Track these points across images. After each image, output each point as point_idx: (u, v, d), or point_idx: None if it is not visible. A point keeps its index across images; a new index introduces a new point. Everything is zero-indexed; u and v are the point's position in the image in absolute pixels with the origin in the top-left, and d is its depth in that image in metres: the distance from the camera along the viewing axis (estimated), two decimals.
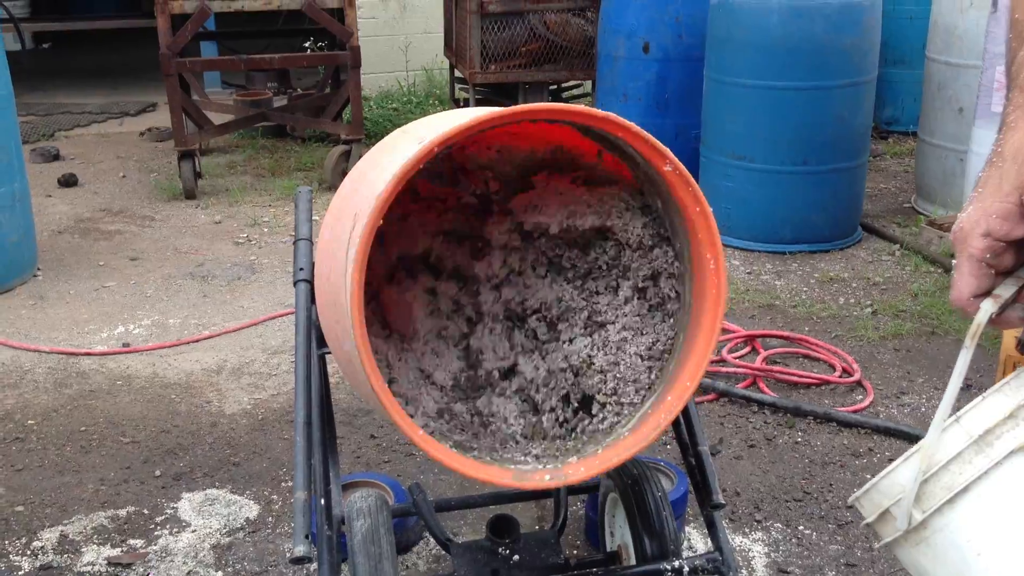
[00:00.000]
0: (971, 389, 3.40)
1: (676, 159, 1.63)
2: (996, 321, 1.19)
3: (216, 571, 2.55)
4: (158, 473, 2.98)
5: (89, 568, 2.57)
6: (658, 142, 1.63)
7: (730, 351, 3.64)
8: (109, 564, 2.58)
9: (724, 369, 3.49)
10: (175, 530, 2.72)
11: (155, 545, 2.66)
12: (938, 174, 5.04)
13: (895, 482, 1.29)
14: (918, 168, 5.28)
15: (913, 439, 3.08)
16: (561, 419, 1.86)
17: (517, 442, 1.84)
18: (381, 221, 1.53)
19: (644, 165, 1.71)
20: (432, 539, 2.53)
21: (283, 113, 6.50)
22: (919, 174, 5.27)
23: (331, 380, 2.48)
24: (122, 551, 2.63)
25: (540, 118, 1.67)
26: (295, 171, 6.16)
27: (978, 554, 1.22)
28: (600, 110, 1.61)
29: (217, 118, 6.35)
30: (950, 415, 1.25)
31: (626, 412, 1.82)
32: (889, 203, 5.43)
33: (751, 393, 3.33)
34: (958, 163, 4.80)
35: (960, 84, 4.84)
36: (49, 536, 2.69)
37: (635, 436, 1.72)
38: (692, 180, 1.65)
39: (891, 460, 2.97)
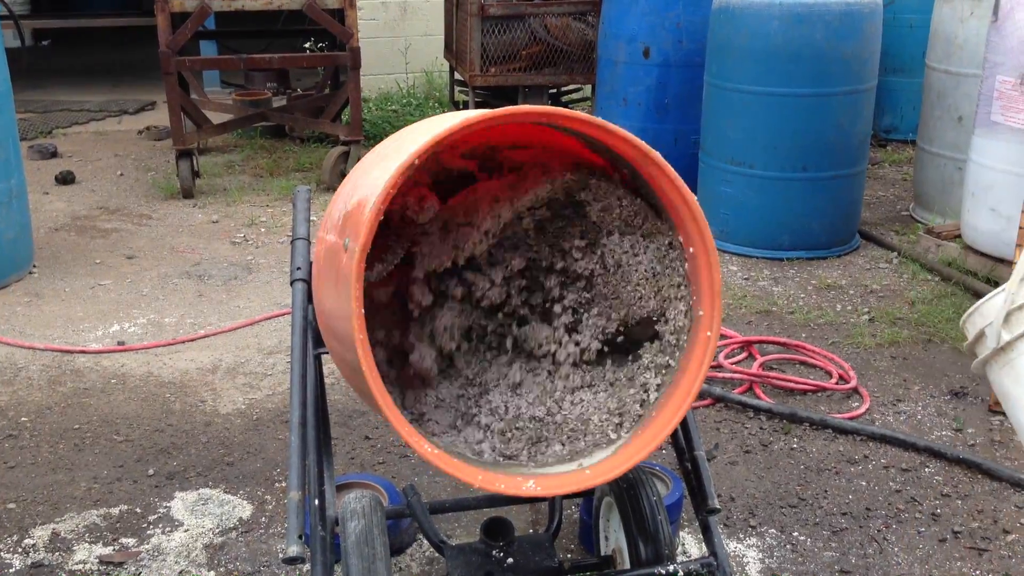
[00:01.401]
0: (967, 397, 3.40)
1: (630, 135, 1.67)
2: None
3: (208, 571, 2.54)
4: (151, 472, 2.97)
5: (81, 566, 2.55)
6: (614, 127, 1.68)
7: (727, 356, 3.64)
8: (101, 563, 2.57)
9: (720, 374, 3.49)
10: (168, 529, 2.71)
11: (147, 544, 2.64)
12: (937, 182, 5.05)
13: (993, 306, 1.52)
14: (916, 176, 5.29)
15: (908, 447, 3.08)
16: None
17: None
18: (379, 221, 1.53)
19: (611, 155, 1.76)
20: (426, 541, 2.52)
21: (282, 113, 6.49)
22: (917, 182, 5.27)
23: (327, 380, 2.48)
24: (114, 550, 2.62)
25: (530, 120, 1.69)
26: (293, 171, 6.16)
27: None
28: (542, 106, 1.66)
29: (216, 117, 6.34)
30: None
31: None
32: (887, 211, 5.43)
33: (747, 399, 3.33)
34: (956, 172, 4.80)
35: (960, 93, 4.84)
36: (41, 534, 2.68)
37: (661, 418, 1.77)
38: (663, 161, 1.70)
39: (886, 468, 2.98)
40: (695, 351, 1.78)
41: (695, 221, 1.73)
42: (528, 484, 1.68)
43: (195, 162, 5.67)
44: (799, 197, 4.58)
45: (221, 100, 7.08)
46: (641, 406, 1.85)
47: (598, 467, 1.75)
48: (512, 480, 1.70)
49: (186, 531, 2.70)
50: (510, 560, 2.03)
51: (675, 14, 5.06)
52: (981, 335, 1.51)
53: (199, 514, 2.77)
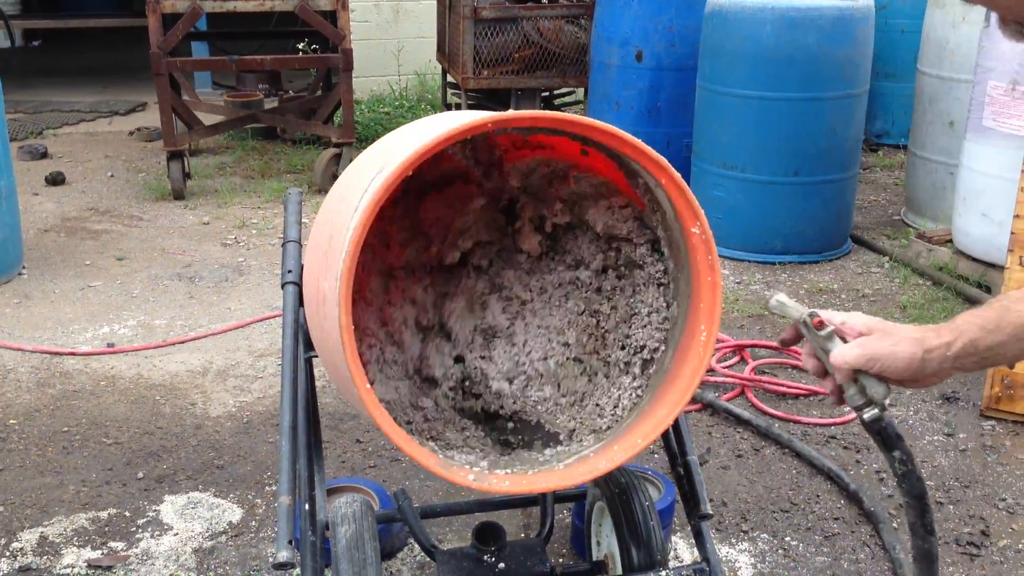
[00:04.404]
0: (958, 402, 3.40)
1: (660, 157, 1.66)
2: None
3: (198, 575, 2.52)
4: (141, 475, 2.95)
5: (69, 570, 2.54)
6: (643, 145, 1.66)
7: (719, 361, 3.63)
8: (89, 566, 2.55)
9: (713, 379, 3.48)
10: (157, 533, 2.69)
11: (136, 548, 2.63)
12: (928, 187, 5.06)
13: None
14: (908, 181, 5.29)
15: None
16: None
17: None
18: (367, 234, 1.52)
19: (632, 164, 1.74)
20: (417, 546, 2.51)
21: (273, 115, 6.47)
22: (909, 187, 5.28)
23: (317, 384, 2.46)
24: (103, 553, 2.60)
25: (530, 126, 1.68)
26: (285, 173, 6.14)
27: None
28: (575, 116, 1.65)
29: (207, 119, 6.31)
30: None
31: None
32: (879, 215, 5.44)
33: (732, 408, 3.30)
34: (948, 177, 4.80)
35: (951, 98, 4.85)
36: (29, 537, 2.66)
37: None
38: (686, 187, 1.68)
39: (878, 472, 2.98)
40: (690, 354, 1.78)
41: (689, 207, 1.73)
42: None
43: (186, 163, 5.64)
44: (791, 201, 4.58)
45: (212, 101, 7.05)
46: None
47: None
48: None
49: (175, 535, 2.68)
50: (501, 565, 2.02)
51: (668, 18, 5.06)
52: None
53: (188, 518, 2.75)
